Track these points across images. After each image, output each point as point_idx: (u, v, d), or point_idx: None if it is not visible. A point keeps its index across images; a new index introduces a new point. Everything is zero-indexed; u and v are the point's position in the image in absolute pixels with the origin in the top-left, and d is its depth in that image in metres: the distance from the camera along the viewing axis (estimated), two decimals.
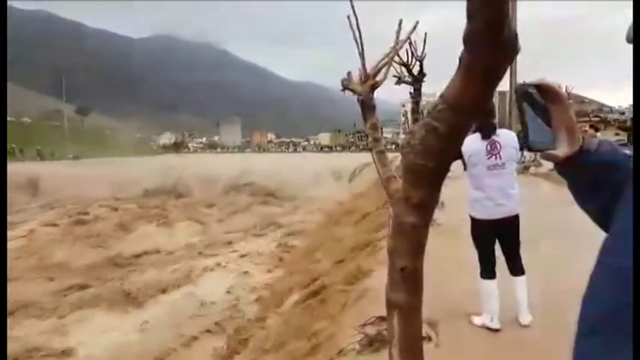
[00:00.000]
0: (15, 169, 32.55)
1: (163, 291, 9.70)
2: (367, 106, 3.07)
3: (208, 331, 7.65)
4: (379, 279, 4.44)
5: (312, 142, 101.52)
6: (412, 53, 5.54)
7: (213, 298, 9.42)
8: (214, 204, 22.82)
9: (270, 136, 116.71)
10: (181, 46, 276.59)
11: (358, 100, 3.09)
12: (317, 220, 15.26)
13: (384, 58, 3.31)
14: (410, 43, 5.08)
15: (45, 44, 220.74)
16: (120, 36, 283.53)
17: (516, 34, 0.93)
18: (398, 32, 3.32)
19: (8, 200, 23.88)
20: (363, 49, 3.03)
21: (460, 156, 3.47)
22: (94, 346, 7.22)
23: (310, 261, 7.78)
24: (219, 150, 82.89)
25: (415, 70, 5.96)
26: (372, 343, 3.22)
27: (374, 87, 3.17)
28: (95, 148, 52.79)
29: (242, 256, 13.27)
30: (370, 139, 3.07)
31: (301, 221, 17.89)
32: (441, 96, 1.21)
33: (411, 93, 6.29)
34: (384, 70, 3.24)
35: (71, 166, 35.92)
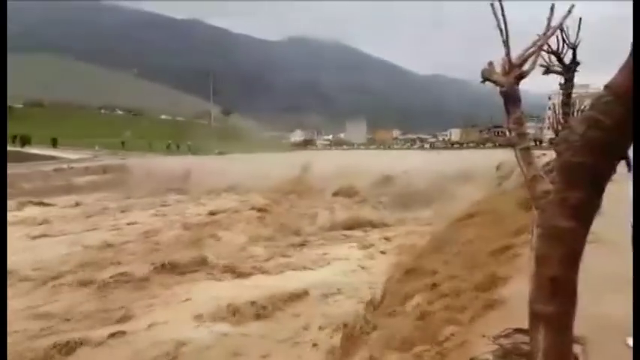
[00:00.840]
0: (172, 161, 37.47)
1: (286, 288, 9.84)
2: (511, 99, 2.79)
3: (328, 325, 7.79)
4: (517, 288, 4.12)
5: (440, 138, 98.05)
6: (564, 40, 4.92)
7: (333, 293, 9.60)
8: (336, 198, 23.37)
9: (396, 132, 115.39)
10: (314, 48, 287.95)
11: (501, 92, 2.83)
12: (446, 219, 14.69)
13: (532, 46, 2.97)
14: (562, 30, 4.52)
15: (196, 50, 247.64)
16: (259, 40, 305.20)
17: None
18: (550, 18, 2.96)
19: (163, 187, 27.86)
20: (507, 36, 2.77)
21: (625, 155, 3.00)
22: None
23: (438, 262, 7.51)
24: (344, 147, 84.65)
25: (567, 59, 5.34)
26: (507, 355, 2.98)
27: (519, 78, 2.87)
28: (236, 145, 57.75)
29: (362, 252, 13.36)
30: (514, 134, 2.79)
31: (427, 220, 17.43)
32: (606, 87, 1.05)
33: (561, 84, 5.65)
34: (531, 59, 2.91)
35: (217, 160, 40.12)
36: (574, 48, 5.12)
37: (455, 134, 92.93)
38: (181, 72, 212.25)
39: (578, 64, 5.43)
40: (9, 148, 40.77)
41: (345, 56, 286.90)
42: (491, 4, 2.76)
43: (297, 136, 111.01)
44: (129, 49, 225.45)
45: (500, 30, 2.77)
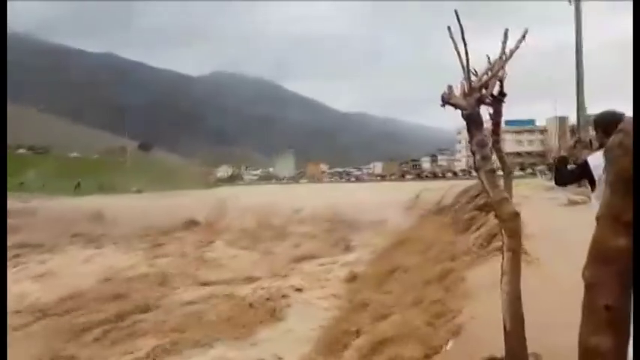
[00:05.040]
0: (79, 203, 34.43)
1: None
2: (474, 121, 2.80)
3: None
4: (470, 316, 4.07)
5: (364, 171, 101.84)
6: (491, 72, 5.22)
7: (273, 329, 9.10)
8: (266, 234, 22.71)
9: (323, 166, 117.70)
10: (239, 83, 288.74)
11: (464, 115, 2.83)
12: (377, 249, 14.78)
13: (488, 70, 3.03)
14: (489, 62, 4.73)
15: (112, 85, 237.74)
16: (181, 75, 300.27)
17: None
18: (504, 43, 3.03)
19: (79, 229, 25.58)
20: (468, 61, 2.79)
21: (588, 174, 3.00)
22: None
23: (379, 292, 7.40)
24: (273, 181, 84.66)
25: (495, 91, 5.65)
26: None
27: (480, 101, 2.90)
28: (157, 182, 55.14)
29: (298, 288, 12.80)
30: (478, 157, 2.77)
31: (360, 251, 17.46)
32: None
33: (490, 114, 5.97)
34: (492, 83, 2.96)
35: (134, 200, 37.56)
36: (501, 80, 5.43)
37: (378, 167, 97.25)
38: (93, 107, 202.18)
39: (505, 95, 5.77)
40: None
41: (269, 93, 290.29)
42: (448, 27, 2.78)
43: (223, 170, 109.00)
44: (33, 82, 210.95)
45: (459, 54, 2.78)
